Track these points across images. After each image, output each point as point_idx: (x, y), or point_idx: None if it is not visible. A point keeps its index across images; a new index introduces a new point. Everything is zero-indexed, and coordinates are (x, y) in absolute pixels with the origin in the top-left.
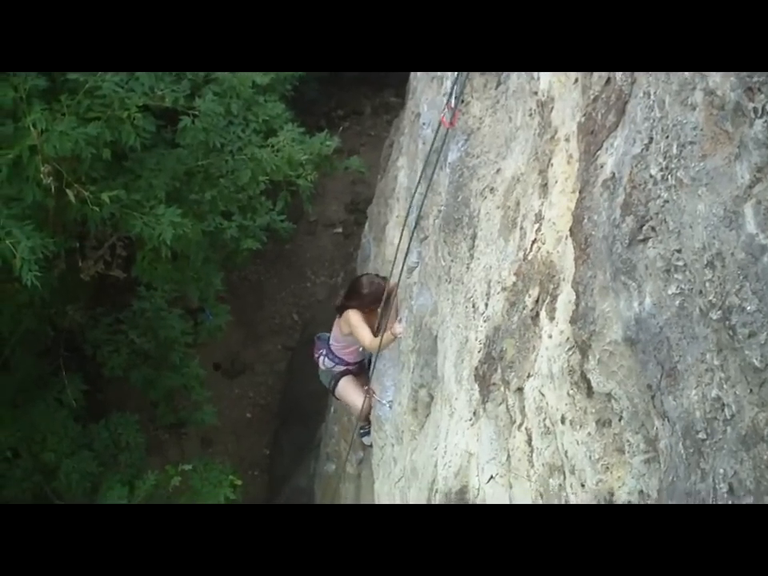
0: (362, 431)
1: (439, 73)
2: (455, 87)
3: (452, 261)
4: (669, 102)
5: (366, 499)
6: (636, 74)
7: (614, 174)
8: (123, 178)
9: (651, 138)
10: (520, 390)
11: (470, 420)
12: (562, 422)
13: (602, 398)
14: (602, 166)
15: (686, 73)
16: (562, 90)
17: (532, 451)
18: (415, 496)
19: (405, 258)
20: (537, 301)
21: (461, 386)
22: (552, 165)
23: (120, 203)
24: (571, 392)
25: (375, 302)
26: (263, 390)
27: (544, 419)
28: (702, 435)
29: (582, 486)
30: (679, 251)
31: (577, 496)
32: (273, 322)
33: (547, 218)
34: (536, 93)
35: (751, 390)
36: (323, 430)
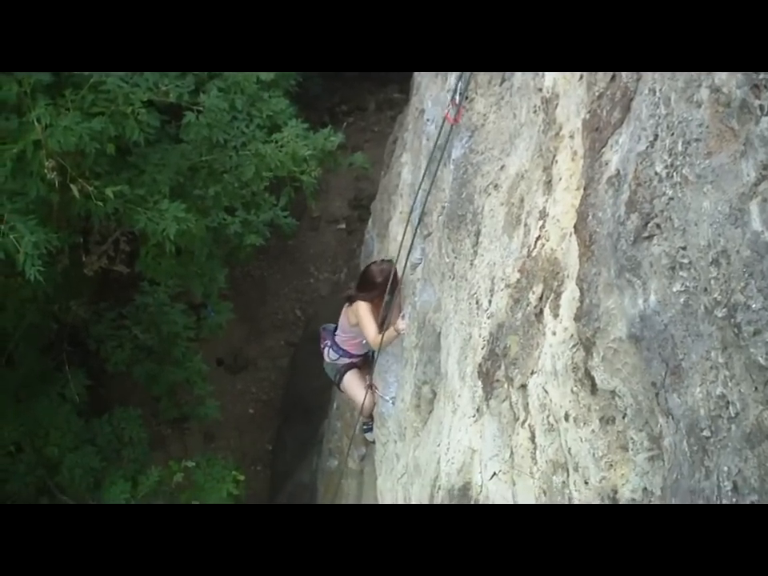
0: (364, 427)
1: None
2: (459, 84)
3: (455, 257)
4: (674, 99)
5: (368, 495)
6: None
7: (618, 171)
8: (127, 173)
9: (656, 135)
10: (523, 386)
11: (473, 417)
12: (566, 419)
13: (606, 395)
14: (606, 163)
15: None
16: (567, 87)
17: (535, 448)
18: (418, 492)
19: (408, 255)
20: (541, 298)
21: (464, 383)
22: (556, 162)
23: (124, 198)
24: (575, 389)
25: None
26: (266, 386)
27: (547, 416)
28: (706, 433)
29: (586, 483)
30: (684, 249)
31: (580, 493)
32: (276, 317)
33: (551, 215)
34: (540, 89)
35: (756, 388)
36: (326, 426)
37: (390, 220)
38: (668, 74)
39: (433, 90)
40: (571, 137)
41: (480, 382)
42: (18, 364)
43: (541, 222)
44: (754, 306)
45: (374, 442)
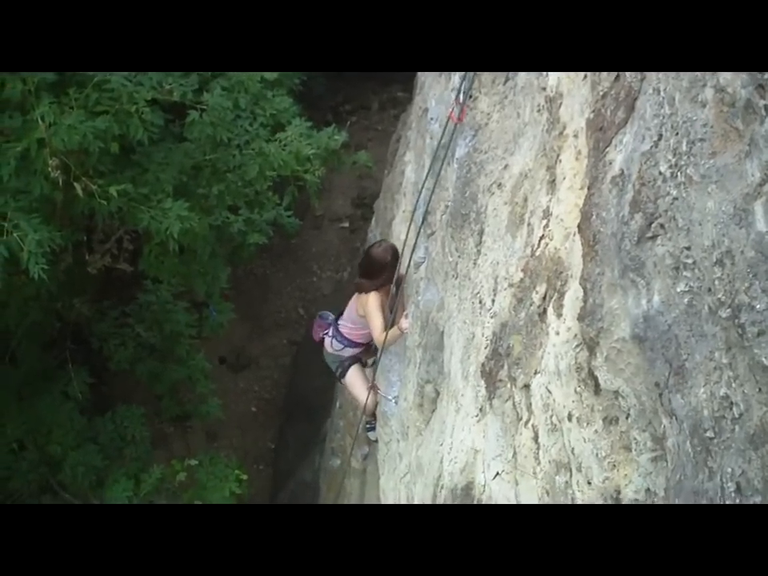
0: (367, 426)
1: None
2: (463, 83)
3: (459, 256)
4: (679, 99)
5: (370, 494)
6: None
7: (622, 170)
8: (131, 172)
9: (661, 135)
10: (527, 386)
11: (477, 416)
12: (569, 419)
13: (609, 395)
14: (610, 163)
15: None
16: (571, 86)
17: (538, 448)
18: (420, 492)
19: (411, 254)
20: (544, 297)
21: (467, 382)
22: (560, 161)
23: (127, 197)
24: (578, 389)
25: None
26: (268, 384)
27: (551, 416)
28: (709, 434)
29: (589, 483)
30: (688, 249)
31: (583, 493)
32: (278, 316)
33: (555, 215)
34: (544, 89)
35: (760, 389)
36: (328, 425)
37: (393, 219)
38: (672, 74)
39: (436, 89)
40: (575, 136)
41: (483, 382)
42: (20, 362)
43: (544, 222)
44: (758, 306)
45: (376, 441)
